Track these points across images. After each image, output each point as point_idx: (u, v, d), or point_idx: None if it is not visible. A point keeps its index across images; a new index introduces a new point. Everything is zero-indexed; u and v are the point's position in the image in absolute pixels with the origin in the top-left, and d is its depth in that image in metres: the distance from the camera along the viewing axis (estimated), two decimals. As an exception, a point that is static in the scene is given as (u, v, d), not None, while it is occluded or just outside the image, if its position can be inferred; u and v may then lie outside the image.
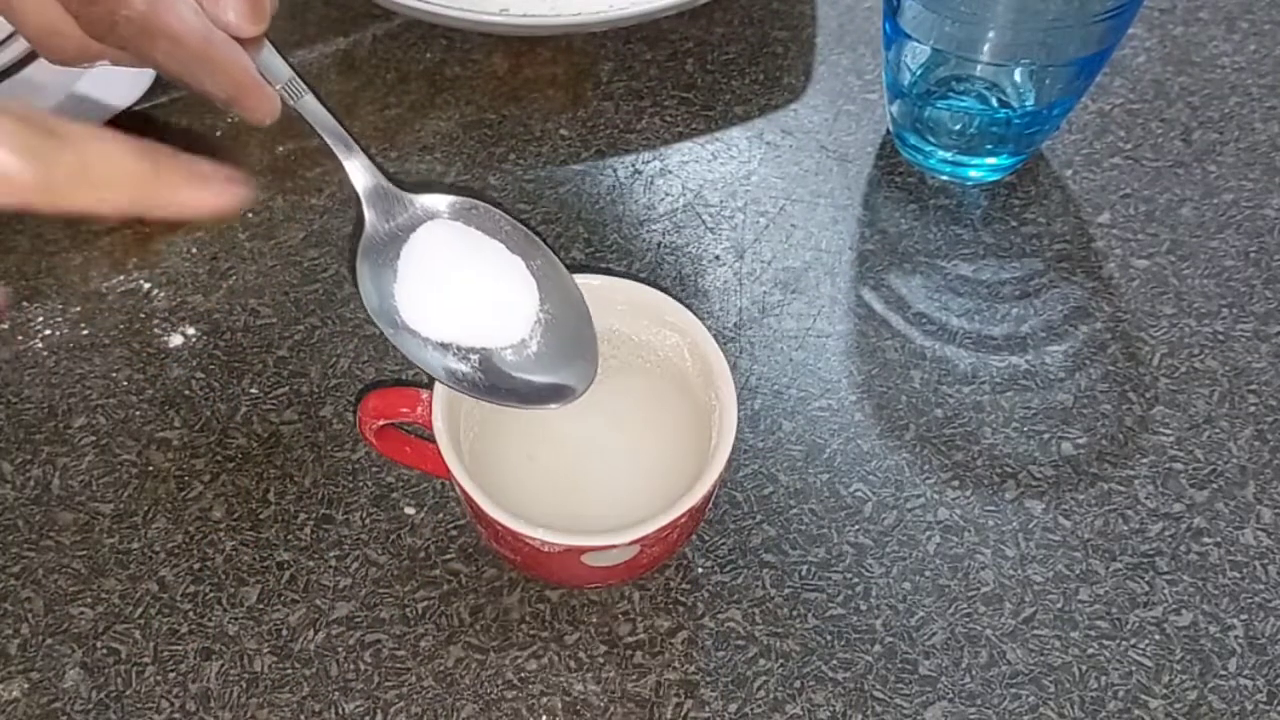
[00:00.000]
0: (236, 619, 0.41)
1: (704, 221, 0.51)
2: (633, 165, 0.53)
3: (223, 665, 0.40)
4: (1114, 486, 0.44)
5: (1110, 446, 0.45)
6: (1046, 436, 0.45)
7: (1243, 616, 0.41)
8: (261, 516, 0.43)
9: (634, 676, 0.40)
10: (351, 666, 0.40)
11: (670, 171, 0.53)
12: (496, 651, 0.40)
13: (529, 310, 0.37)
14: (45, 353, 0.47)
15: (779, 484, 0.44)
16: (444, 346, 0.37)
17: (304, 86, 0.35)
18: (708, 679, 0.39)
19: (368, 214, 0.37)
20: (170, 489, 0.44)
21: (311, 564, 0.42)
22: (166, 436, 0.45)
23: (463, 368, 0.37)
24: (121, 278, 0.49)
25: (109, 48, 0.33)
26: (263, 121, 0.35)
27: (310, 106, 0.36)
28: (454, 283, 0.37)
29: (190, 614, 0.41)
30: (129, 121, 0.54)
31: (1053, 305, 0.48)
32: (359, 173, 0.37)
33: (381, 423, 0.39)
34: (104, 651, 0.40)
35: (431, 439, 0.37)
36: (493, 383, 0.37)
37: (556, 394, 0.37)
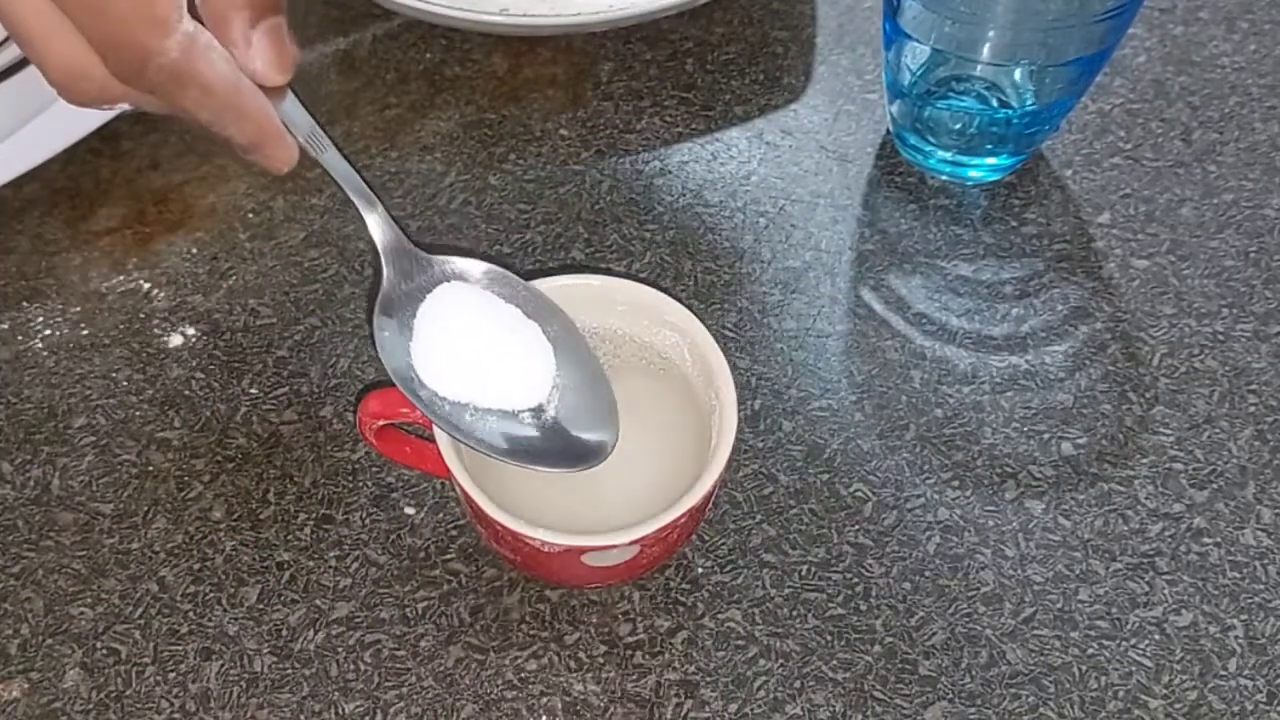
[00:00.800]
0: (236, 619, 0.41)
1: (704, 221, 0.51)
2: (633, 165, 0.53)
3: (223, 665, 0.40)
4: (1114, 486, 0.44)
5: (1110, 446, 0.45)
6: (1046, 436, 0.45)
7: (1243, 616, 0.41)
8: (261, 516, 0.43)
9: (634, 676, 0.40)
10: (351, 666, 0.40)
11: (670, 171, 0.53)
12: (496, 651, 0.40)
13: (545, 375, 0.38)
14: (45, 353, 0.47)
15: (779, 484, 0.44)
16: (460, 406, 0.37)
17: (326, 140, 0.35)
18: (708, 679, 0.39)
19: (386, 271, 0.37)
20: (170, 489, 0.44)
21: (311, 564, 0.42)
22: (166, 436, 0.45)
23: (479, 429, 0.37)
24: (121, 278, 0.49)
25: (133, 91, 0.32)
26: (280, 170, 0.35)
27: (332, 160, 0.35)
28: (471, 344, 0.37)
29: (190, 614, 0.41)
30: (129, 121, 0.54)
31: (1053, 305, 0.48)
32: (380, 229, 0.37)
33: (381, 423, 0.39)
34: (104, 651, 0.40)
35: (431, 439, 0.37)
36: (511, 446, 0.37)
37: (576, 458, 0.37)
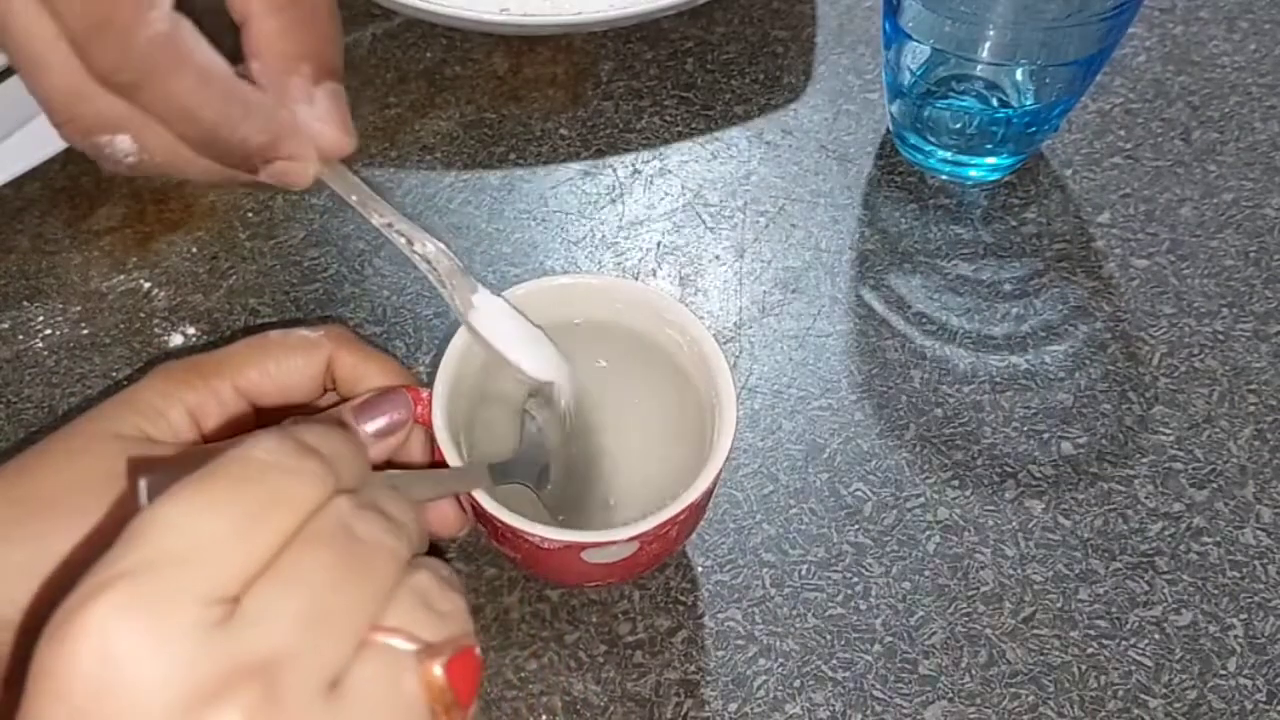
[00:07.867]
0: (236, 618, 0.41)
1: (704, 221, 0.51)
2: (633, 165, 0.53)
3: (222, 664, 0.40)
4: (1114, 486, 0.44)
5: (1110, 446, 0.45)
6: (1046, 436, 0.45)
7: (1242, 616, 0.41)
8: (261, 516, 0.43)
9: (634, 676, 0.40)
10: (351, 666, 0.40)
11: (670, 171, 0.53)
12: (496, 651, 0.40)
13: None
14: (45, 352, 0.47)
15: (779, 484, 0.44)
16: None
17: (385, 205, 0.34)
18: (708, 678, 0.39)
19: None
20: (170, 488, 0.44)
21: (311, 563, 0.42)
22: (166, 436, 0.45)
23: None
24: (121, 277, 0.49)
25: (129, 110, 0.31)
26: (302, 181, 0.33)
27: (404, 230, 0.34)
28: None
29: (190, 613, 0.41)
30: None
31: (1053, 305, 0.48)
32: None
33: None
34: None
35: (431, 438, 0.37)
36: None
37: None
